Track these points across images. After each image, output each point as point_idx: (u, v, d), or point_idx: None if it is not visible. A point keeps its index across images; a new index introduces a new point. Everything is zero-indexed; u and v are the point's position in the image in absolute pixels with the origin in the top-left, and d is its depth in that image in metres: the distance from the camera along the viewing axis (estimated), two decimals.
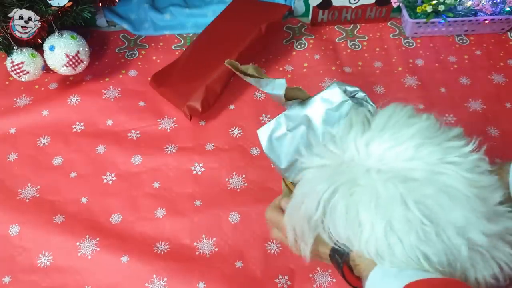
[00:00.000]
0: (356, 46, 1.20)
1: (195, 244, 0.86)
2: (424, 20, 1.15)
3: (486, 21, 1.18)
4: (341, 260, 0.51)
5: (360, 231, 0.46)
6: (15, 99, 1.09)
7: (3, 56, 1.05)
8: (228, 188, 0.93)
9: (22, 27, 0.96)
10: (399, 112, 0.51)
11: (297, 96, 0.67)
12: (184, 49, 1.17)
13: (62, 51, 1.01)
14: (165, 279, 0.81)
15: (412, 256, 0.44)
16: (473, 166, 0.46)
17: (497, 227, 0.44)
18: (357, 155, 0.49)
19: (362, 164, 0.48)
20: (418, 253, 0.43)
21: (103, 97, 1.08)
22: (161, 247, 0.85)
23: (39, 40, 1.01)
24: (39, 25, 0.98)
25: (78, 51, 1.03)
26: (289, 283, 0.81)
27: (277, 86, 0.62)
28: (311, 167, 0.53)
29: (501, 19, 1.17)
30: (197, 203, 0.91)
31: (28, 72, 1.01)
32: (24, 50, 1.01)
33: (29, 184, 0.94)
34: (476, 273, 0.45)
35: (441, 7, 1.13)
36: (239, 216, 0.89)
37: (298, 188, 0.54)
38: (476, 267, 0.45)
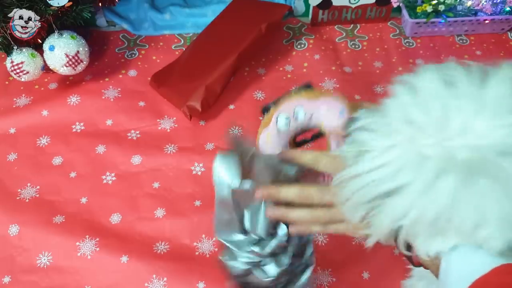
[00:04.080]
0: (356, 46, 1.20)
1: (195, 244, 0.85)
2: (424, 20, 1.15)
3: (486, 21, 1.17)
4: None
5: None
6: (14, 99, 1.08)
7: (3, 56, 1.05)
8: None
9: (22, 27, 0.96)
10: None
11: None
12: (184, 49, 1.17)
13: (62, 51, 1.01)
14: (165, 279, 0.81)
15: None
16: None
17: None
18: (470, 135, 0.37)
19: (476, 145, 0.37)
20: None
21: (103, 97, 1.08)
22: (161, 247, 0.85)
23: (39, 40, 1.01)
24: (39, 25, 0.98)
25: (78, 51, 1.03)
26: None
27: None
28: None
29: (501, 19, 1.17)
30: (197, 203, 0.91)
31: (28, 72, 1.01)
32: (24, 50, 1.00)
33: (28, 184, 0.94)
34: None
35: (441, 7, 1.13)
36: None
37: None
38: None
